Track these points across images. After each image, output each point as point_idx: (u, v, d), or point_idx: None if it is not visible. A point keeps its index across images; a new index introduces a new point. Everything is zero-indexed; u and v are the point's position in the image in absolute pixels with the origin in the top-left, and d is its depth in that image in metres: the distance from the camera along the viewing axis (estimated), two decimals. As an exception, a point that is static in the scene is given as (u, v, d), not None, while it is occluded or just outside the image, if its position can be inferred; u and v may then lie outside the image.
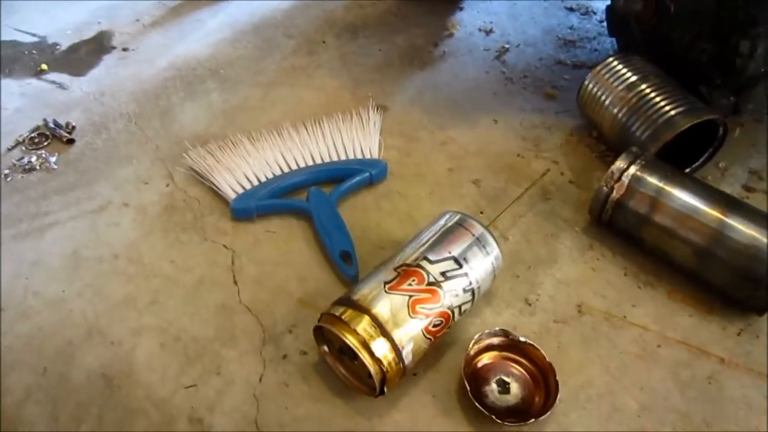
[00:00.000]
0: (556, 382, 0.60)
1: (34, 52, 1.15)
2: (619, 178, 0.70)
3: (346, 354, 0.59)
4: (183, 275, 0.74)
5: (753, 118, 0.91)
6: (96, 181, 0.87)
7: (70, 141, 0.93)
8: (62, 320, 0.70)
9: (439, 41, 1.15)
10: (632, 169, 0.70)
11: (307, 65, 1.09)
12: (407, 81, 1.04)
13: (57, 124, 0.95)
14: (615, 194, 0.70)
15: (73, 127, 0.96)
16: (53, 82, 1.07)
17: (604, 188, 0.71)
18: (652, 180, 0.69)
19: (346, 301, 0.59)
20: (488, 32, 1.16)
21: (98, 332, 0.69)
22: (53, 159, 0.90)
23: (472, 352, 0.63)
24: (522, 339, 0.63)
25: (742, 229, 0.64)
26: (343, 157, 0.86)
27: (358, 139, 0.87)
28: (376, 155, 0.86)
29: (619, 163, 0.70)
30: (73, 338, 0.68)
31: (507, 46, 1.12)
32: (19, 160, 0.90)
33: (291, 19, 1.23)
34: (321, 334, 0.62)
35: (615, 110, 0.81)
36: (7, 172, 0.89)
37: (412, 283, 0.59)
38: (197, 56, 1.12)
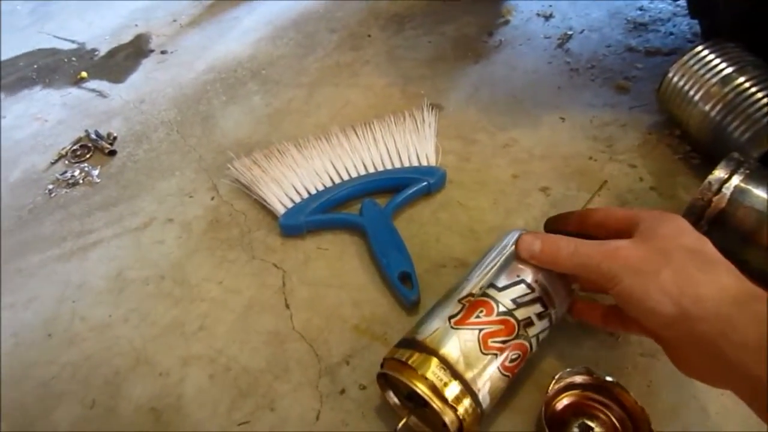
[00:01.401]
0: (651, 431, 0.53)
1: (74, 59, 1.12)
2: (719, 190, 0.61)
3: (416, 401, 0.53)
4: (231, 298, 0.70)
5: None
6: (138, 196, 0.84)
7: (112, 152, 0.90)
8: (109, 348, 0.67)
9: (494, 30, 1.06)
10: (735, 180, 0.61)
11: (353, 62, 1.03)
12: (461, 76, 0.96)
13: (98, 135, 0.92)
14: (713, 209, 0.61)
15: (115, 138, 0.92)
16: (93, 90, 1.04)
17: (700, 201, 0.62)
18: (759, 193, 0.60)
19: (410, 343, 0.53)
20: (548, 17, 1.07)
21: (146, 361, 0.65)
22: (95, 172, 0.87)
23: (551, 393, 0.56)
24: (608, 378, 0.56)
25: None
26: (397, 165, 0.79)
27: (413, 143, 0.81)
28: (433, 161, 0.80)
29: (719, 173, 0.61)
30: (120, 368, 0.65)
31: (570, 32, 1.02)
32: (62, 174, 0.88)
33: (332, 11, 1.17)
34: (385, 380, 0.56)
35: (706, 107, 0.71)
36: (50, 187, 0.86)
37: (480, 314, 0.53)
38: (237, 56, 1.07)
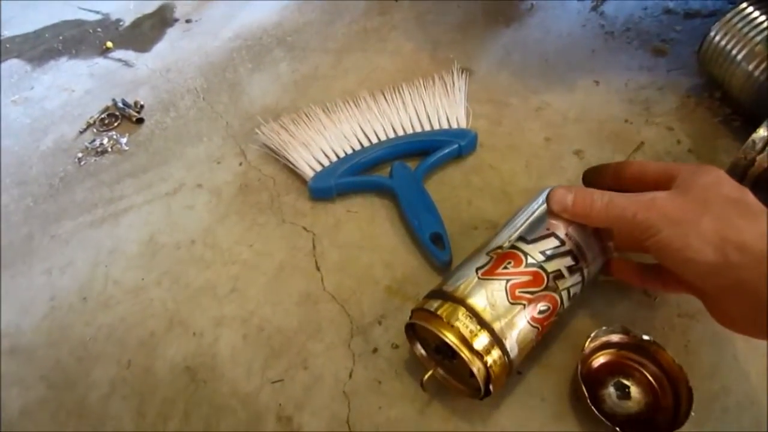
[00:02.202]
0: (689, 390, 0.51)
1: (99, 30, 1.12)
2: (763, 149, 0.59)
3: (444, 352, 0.53)
4: (263, 261, 0.70)
5: None
6: (167, 162, 0.84)
7: (140, 120, 0.90)
8: (143, 310, 0.67)
9: (525, -7, 1.04)
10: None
11: (380, 27, 1.01)
12: (492, 40, 0.95)
13: (126, 104, 0.92)
14: (756, 168, 0.60)
15: (142, 106, 0.92)
16: (119, 60, 1.04)
17: (743, 160, 0.60)
18: (803, 150, 0.58)
19: (440, 294, 0.52)
20: (581, -20, 1.04)
21: (179, 323, 0.66)
22: (124, 140, 0.87)
23: (587, 351, 0.55)
24: (645, 337, 0.55)
25: None
26: (427, 128, 0.78)
27: (442, 106, 0.79)
28: (463, 124, 0.78)
29: (763, 131, 0.60)
30: (155, 329, 0.65)
31: (604, -6, 1.00)
32: (91, 142, 0.88)
33: (359, -23, 1.15)
34: (413, 332, 0.56)
35: (750, 66, 0.69)
36: (80, 155, 0.87)
37: (509, 266, 0.52)
38: (262, 24, 1.06)
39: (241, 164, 0.82)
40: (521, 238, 0.54)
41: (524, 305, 0.51)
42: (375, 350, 0.61)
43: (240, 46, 1.03)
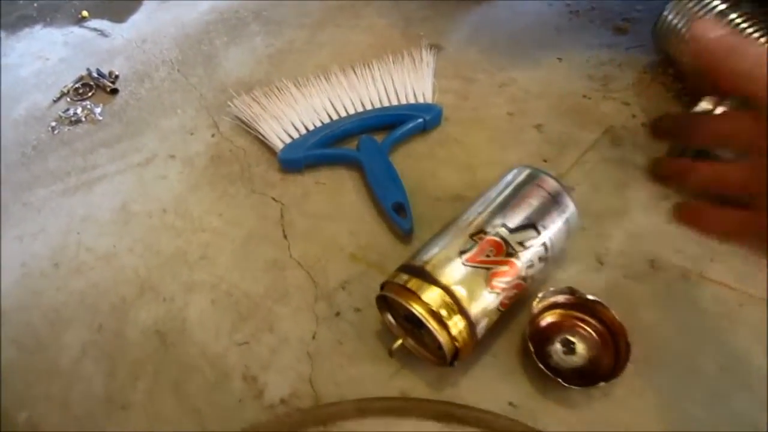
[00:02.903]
0: (627, 344, 0.55)
1: (74, -2, 1.12)
2: (704, 121, 0.62)
3: (412, 322, 0.55)
4: (232, 229, 0.72)
5: None
6: (141, 133, 0.85)
7: (114, 91, 0.91)
8: (115, 276, 0.69)
9: (496, -27, 1.06)
10: (719, 111, 0.62)
11: (355, 3, 1.03)
12: (463, 18, 0.97)
13: (100, 74, 0.93)
14: (698, 139, 0.63)
15: (117, 76, 0.94)
16: (95, 30, 1.04)
17: (686, 132, 0.64)
18: (742, 123, 0.61)
19: (412, 269, 0.54)
20: (550, -40, 1.06)
21: (150, 288, 0.68)
22: (98, 110, 0.89)
23: (535, 311, 0.59)
24: (590, 297, 0.59)
25: None
26: (394, 102, 0.81)
27: (410, 82, 0.82)
28: (430, 99, 0.81)
29: (704, 104, 0.63)
30: (126, 295, 0.68)
31: (571, -25, 1.02)
32: (65, 111, 0.89)
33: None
34: (384, 301, 0.58)
35: (699, 43, 0.72)
36: (53, 124, 0.88)
37: (490, 254, 0.54)
38: (239, -3, 1.07)
39: (213, 136, 0.84)
40: (504, 225, 0.56)
41: (498, 294, 0.54)
42: (338, 314, 0.64)
43: (216, 19, 1.04)
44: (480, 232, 0.56)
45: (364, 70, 0.84)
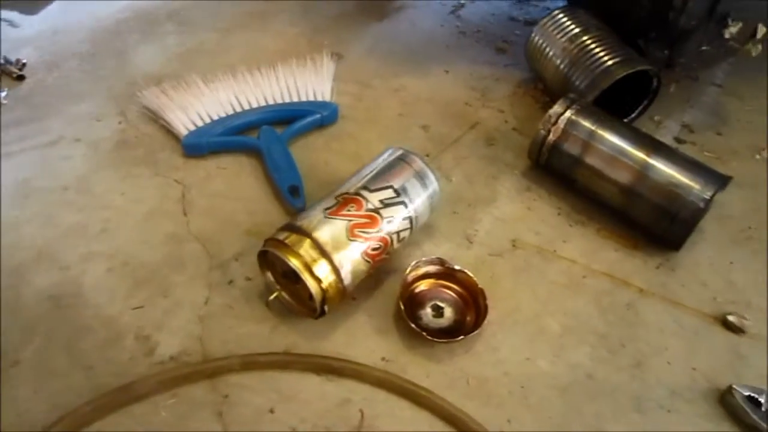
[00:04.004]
0: (486, 305, 0.64)
1: (-15, -12, 1.12)
2: (556, 122, 0.73)
3: (289, 278, 0.61)
4: (133, 206, 0.76)
5: (688, 76, 0.96)
6: (48, 117, 0.87)
7: (20, 77, 0.93)
8: (13, 244, 0.71)
9: (398, -6, 1.17)
10: (568, 113, 0.73)
11: (267, 11, 1.10)
12: (365, 31, 1.06)
13: (7, 60, 0.95)
14: (551, 137, 0.74)
15: (24, 64, 0.95)
16: (3, 20, 1.05)
17: (542, 131, 0.74)
18: (586, 124, 0.73)
19: (290, 227, 0.61)
20: (446, -13, 1.19)
21: (48, 257, 0.70)
22: (3, 94, 0.90)
23: (409, 278, 0.66)
24: (457, 267, 0.67)
25: (663, 168, 0.68)
26: (295, 100, 0.88)
27: (311, 83, 0.89)
28: (327, 98, 0.89)
29: (557, 108, 0.74)
30: (23, 261, 0.69)
31: (463, 2, 1.14)
32: (-32, 93, 0.90)
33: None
34: (265, 259, 0.64)
35: (558, 61, 0.84)
36: (-44, 105, 0.88)
37: (351, 209, 0.62)
38: (156, -3, 1.12)
39: (120, 123, 0.87)
40: (365, 187, 0.64)
41: (360, 242, 0.61)
42: (231, 282, 0.68)
43: (131, 16, 1.08)
44: (344, 194, 0.64)
45: (269, 71, 0.91)
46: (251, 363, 0.62)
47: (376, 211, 0.63)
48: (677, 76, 0.93)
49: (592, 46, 0.81)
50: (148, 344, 0.63)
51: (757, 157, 0.85)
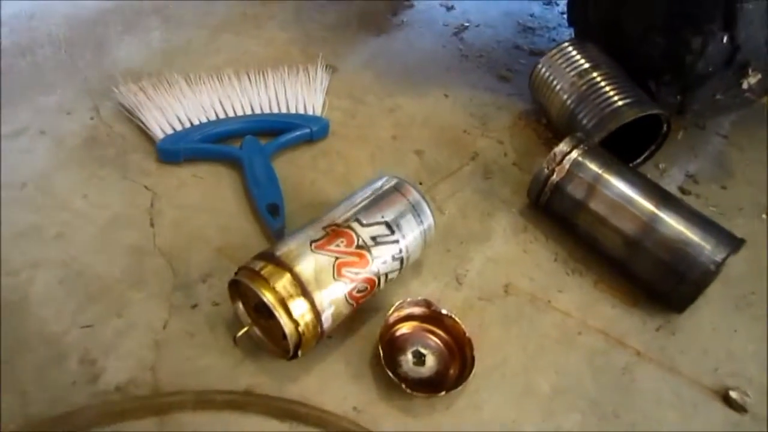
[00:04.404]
0: (473, 357, 0.58)
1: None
2: (561, 161, 0.68)
3: (262, 312, 0.55)
4: (95, 211, 0.69)
5: (695, 124, 0.92)
6: (13, 105, 0.81)
7: (-11, 59, 0.86)
8: (-45, 246, 0.64)
9: (399, 10, 1.11)
10: (574, 154, 0.69)
11: (260, 14, 1.04)
12: (361, 45, 1.01)
13: (-23, 40, 0.88)
14: (555, 177, 0.69)
15: (-5, 46, 0.88)
16: (-21, 0, 0.98)
17: (545, 170, 0.70)
18: (592, 166, 0.68)
19: (268, 256, 0.55)
20: (449, 8, 1.14)
21: (-7, 260, 0.63)
22: (-32, 75, 0.83)
23: (391, 320, 0.61)
24: (444, 311, 0.61)
25: (672, 223, 0.64)
26: (284, 111, 0.82)
27: (302, 94, 0.84)
28: (318, 112, 0.83)
29: (563, 146, 0.69)
30: (-36, 266, 0.62)
31: (467, 24, 1.09)
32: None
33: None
34: (237, 289, 0.58)
35: (564, 96, 0.79)
36: None
37: (340, 244, 0.56)
38: (143, -12, 1.05)
39: (92, 119, 0.81)
40: (356, 219, 0.58)
41: (346, 283, 0.55)
42: (195, 306, 0.62)
43: (115, 7, 1.01)
44: (333, 225, 0.57)
45: (258, 77, 0.85)
46: (207, 401, 0.55)
47: (366, 248, 0.57)
48: (686, 123, 0.89)
49: (603, 83, 0.76)
50: (93, 370, 0.56)
51: (764, 216, 0.81)
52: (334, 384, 0.58)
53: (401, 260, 0.60)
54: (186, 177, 0.74)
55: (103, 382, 0.55)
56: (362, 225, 0.58)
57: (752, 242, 0.73)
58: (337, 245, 0.56)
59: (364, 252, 0.57)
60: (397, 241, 0.59)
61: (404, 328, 0.62)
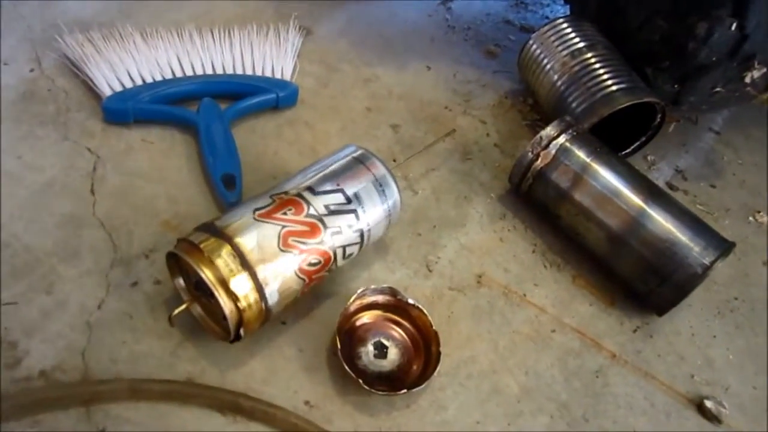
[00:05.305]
0: (438, 353, 0.53)
1: None
2: (547, 146, 0.63)
3: (203, 291, 0.49)
4: (29, 174, 0.62)
5: (688, 117, 0.88)
6: (-59, 49, 0.72)
7: None
8: None
9: (383, -25, 1.04)
10: (561, 139, 0.63)
11: (231, -32, 0.96)
12: (339, 8, 0.93)
13: None
14: (539, 163, 0.63)
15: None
16: None
17: (529, 154, 0.64)
18: (580, 154, 0.63)
19: (208, 227, 0.49)
20: (438, -25, 1.07)
21: None
22: None
23: (352, 308, 0.55)
24: (410, 301, 0.56)
25: (661, 220, 0.59)
26: (249, 73, 0.75)
27: (270, 56, 0.76)
28: (288, 77, 0.76)
29: (549, 130, 0.64)
30: None
31: (455, -7, 1.03)
32: None
33: None
34: (176, 264, 0.52)
35: (555, 77, 0.74)
36: None
37: (288, 212, 0.50)
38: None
39: (32, 71, 0.72)
40: (309, 188, 0.53)
41: (295, 254, 0.49)
42: (135, 284, 0.56)
43: (68, -50, 0.92)
44: (282, 193, 0.52)
45: (223, 35, 0.77)
46: (142, 391, 0.50)
47: (318, 218, 0.51)
48: (680, 115, 0.84)
49: (596, 65, 0.71)
50: (14, 353, 0.50)
51: (751, 219, 0.77)
52: (284, 374, 0.53)
53: (361, 233, 0.54)
54: (134, 141, 0.67)
55: (24, 367, 0.49)
56: (314, 193, 0.52)
57: (738, 246, 0.70)
58: (284, 213, 0.50)
59: (315, 221, 0.51)
60: (354, 211, 0.53)
61: (366, 318, 0.57)
